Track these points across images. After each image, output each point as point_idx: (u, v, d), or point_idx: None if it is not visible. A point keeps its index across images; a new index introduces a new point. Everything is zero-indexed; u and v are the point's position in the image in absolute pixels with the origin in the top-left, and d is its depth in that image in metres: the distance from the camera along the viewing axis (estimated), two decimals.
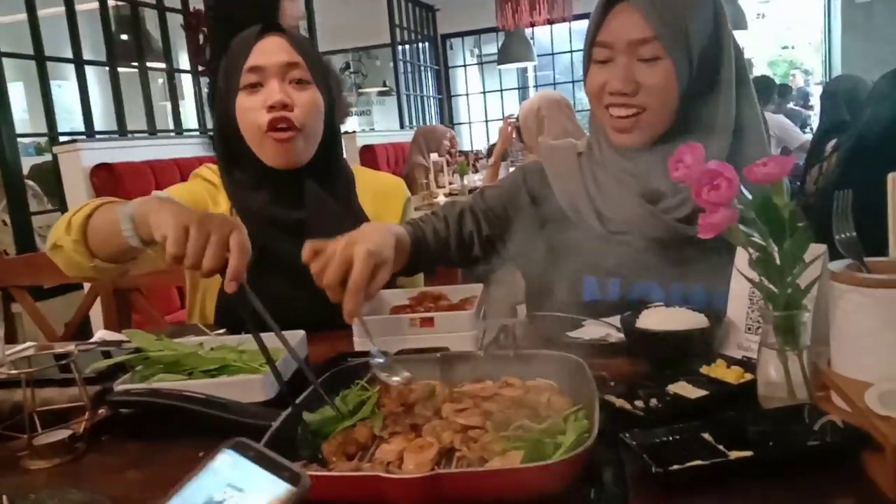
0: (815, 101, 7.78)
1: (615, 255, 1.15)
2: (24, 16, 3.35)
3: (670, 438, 0.68)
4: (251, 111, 1.27)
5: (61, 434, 0.81)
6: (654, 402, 0.78)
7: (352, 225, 1.37)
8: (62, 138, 3.46)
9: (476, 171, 5.57)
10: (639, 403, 0.78)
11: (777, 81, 7.02)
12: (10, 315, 1.95)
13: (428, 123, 7.97)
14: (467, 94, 9.73)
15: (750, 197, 0.73)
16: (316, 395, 0.80)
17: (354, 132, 6.09)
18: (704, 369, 0.85)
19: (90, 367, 0.91)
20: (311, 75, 1.30)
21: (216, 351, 0.96)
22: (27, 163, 4.43)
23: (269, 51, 1.28)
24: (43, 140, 5.22)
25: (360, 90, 10.05)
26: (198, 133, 4.55)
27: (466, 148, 8.33)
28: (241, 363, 0.92)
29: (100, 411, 0.87)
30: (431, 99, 8.78)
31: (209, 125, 4.59)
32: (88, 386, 0.87)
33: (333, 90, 1.37)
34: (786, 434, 0.67)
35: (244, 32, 1.34)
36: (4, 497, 0.68)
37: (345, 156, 1.47)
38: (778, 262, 0.73)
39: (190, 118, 4.92)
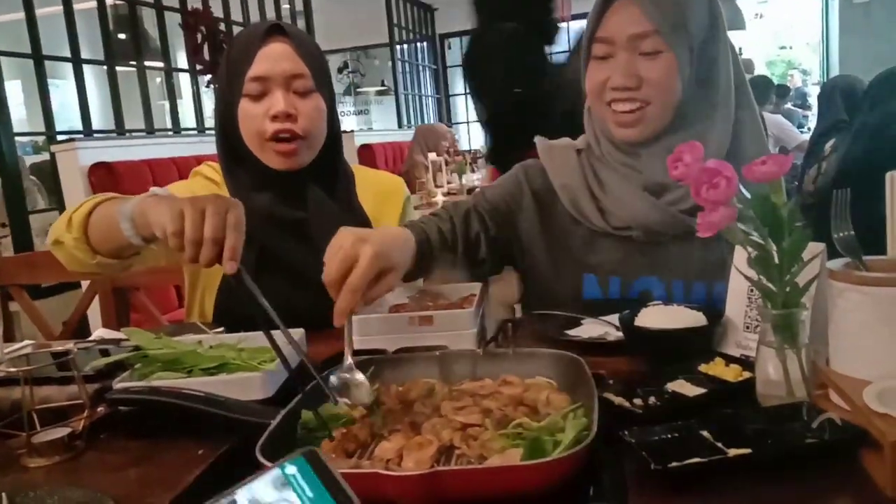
0: (813, 100, 7.80)
1: (616, 252, 1.15)
2: (21, 14, 3.34)
3: (669, 436, 0.68)
4: (254, 119, 1.26)
5: (60, 432, 0.81)
6: (652, 400, 0.78)
7: (352, 224, 1.37)
8: (60, 137, 3.46)
9: (474, 170, 5.56)
10: (637, 401, 0.78)
11: (775, 81, 7.04)
12: (7, 314, 1.94)
13: (426, 123, 7.97)
14: (465, 94, 9.71)
15: (749, 196, 0.73)
16: (316, 393, 0.80)
17: (353, 131, 6.09)
18: (703, 367, 0.85)
19: (89, 366, 0.91)
20: (315, 83, 1.28)
21: (215, 349, 0.96)
22: (26, 162, 4.44)
23: (274, 58, 1.25)
24: (41, 139, 5.22)
25: (358, 89, 10.05)
26: (196, 132, 4.54)
27: (465, 147, 8.32)
28: (241, 361, 0.92)
29: (99, 409, 0.86)
30: (430, 98, 8.78)
31: (207, 124, 4.59)
32: (87, 384, 0.87)
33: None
34: (784, 432, 0.68)
35: (246, 35, 1.33)
36: (3, 495, 0.68)
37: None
38: (776, 260, 0.73)
39: (188, 117, 4.92)
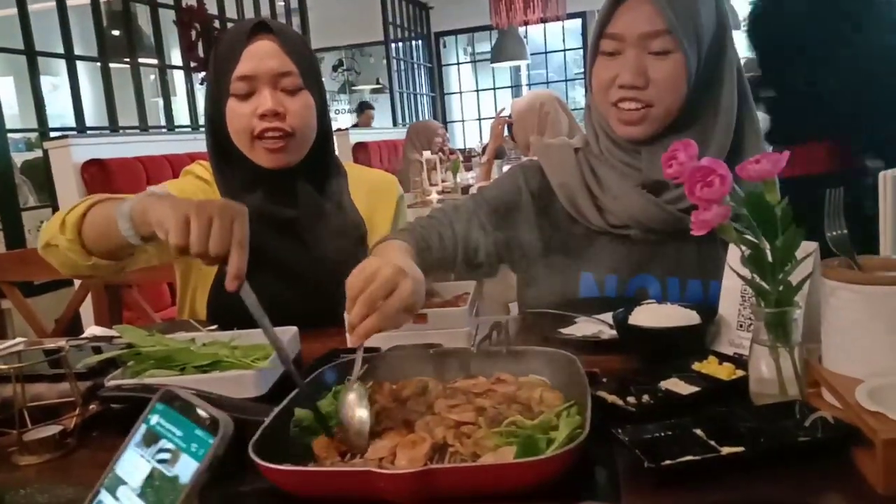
0: None
1: (613, 251, 1.15)
2: (14, 10, 3.32)
3: (662, 434, 0.68)
4: (242, 117, 1.25)
5: (52, 430, 0.81)
6: (646, 398, 0.79)
7: (344, 223, 1.37)
8: (53, 134, 3.44)
9: (469, 169, 5.56)
10: (631, 399, 0.78)
11: None
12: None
13: (420, 121, 7.96)
14: (461, 92, 9.73)
15: (743, 194, 0.73)
16: (309, 391, 0.80)
17: (347, 130, 6.08)
18: (696, 366, 0.85)
19: (81, 363, 0.91)
20: (303, 81, 1.27)
21: (208, 346, 0.96)
22: (18, 159, 4.41)
23: (260, 57, 1.24)
24: (33, 136, 5.19)
25: (353, 87, 10.04)
26: (189, 129, 4.53)
27: (459, 146, 8.33)
28: (234, 359, 0.92)
29: (91, 407, 0.86)
30: (425, 97, 8.78)
31: (201, 121, 4.57)
32: (79, 381, 0.86)
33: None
34: (777, 430, 0.68)
35: (232, 33, 1.31)
36: None
37: (337, 153, 1.46)
38: (770, 259, 0.73)
39: (182, 114, 4.91)
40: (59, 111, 4.69)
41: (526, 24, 7.31)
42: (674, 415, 0.71)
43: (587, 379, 0.75)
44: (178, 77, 4.81)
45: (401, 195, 1.53)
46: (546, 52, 9.30)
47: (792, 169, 0.72)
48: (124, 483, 0.54)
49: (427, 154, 4.63)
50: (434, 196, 4.24)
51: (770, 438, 0.67)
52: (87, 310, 1.92)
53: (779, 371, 0.74)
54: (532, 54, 8.26)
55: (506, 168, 4.12)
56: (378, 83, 9.43)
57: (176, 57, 4.58)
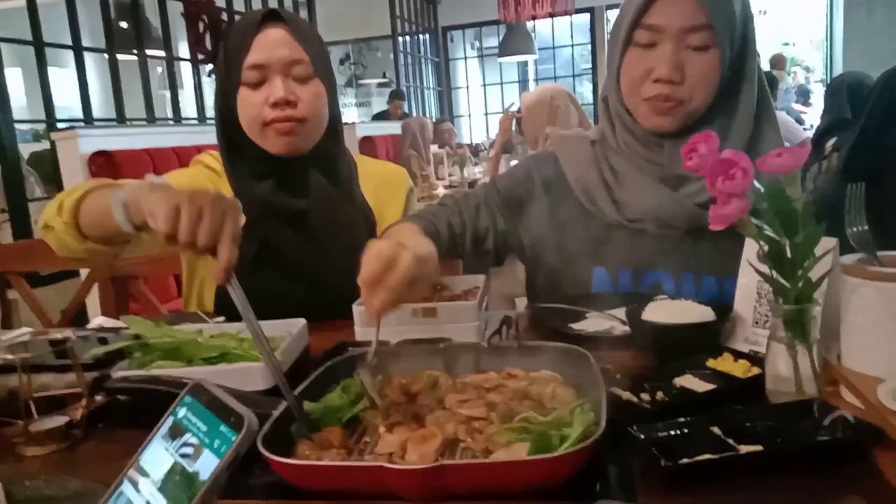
0: (815, 98, 7.78)
1: (628, 246, 1.13)
2: (23, 2, 3.32)
3: (679, 432, 0.67)
4: (253, 106, 1.24)
5: (58, 421, 0.80)
6: (660, 395, 0.77)
7: (354, 214, 1.36)
8: (60, 125, 3.44)
9: (476, 163, 5.55)
10: (645, 396, 0.77)
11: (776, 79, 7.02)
12: (6, 302, 1.93)
13: (429, 116, 7.95)
14: (467, 87, 9.71)
15: (762, 189, 0.72)
16: (316, 384, 0.79)
17: (354, 123, 6.07)
18: (711, 363, 0.84)
19: (88, 353, 0.90)
20: (314, 69, 1.26)
21: (216, 338, 0.95)
22: (25, 150, 4.41)
23: (271, 45, 1.24)
24: (41, 127, 5.20)
25: (360, 81, 10.02)
26: (196, 121, 4.53)
27: (466, 141, 8.31)
28: (242, 351, 0.91)
29: (97, 398, 0.85)
30: (431, 91, 8.75)
31: (208, 114, 4.57)
32: (86, 372, 0.85)
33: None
34: (796, 429, 0.66)
35: (242, 22, 1.31)
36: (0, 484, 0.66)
37: None
38: (789, 255, 0.71)
39: (189, 107, 4.90)
40: (67, 103, 4.69)
41: (534, 18, 7.29)
42: (689, 412, 0.70)
43: (601, 375, 0.74)
44: (186, 70, 4.81)
45: (411, 187, 1.51)
46: (554, 48, 9.27)
47: None
48: (146, 475, 0.53)
49: (435, 148, 4.62)
50: (440, 191, 4.23)
51: (789, 438, 0.65)
52: (93, 301, 1.91)
53: (796, 369, 0.73)
54: (540, 49, 8.24)
55: (513, 163, 4.11)
56: (385, 77, 9.41)
57: (184, 49, 4.57)
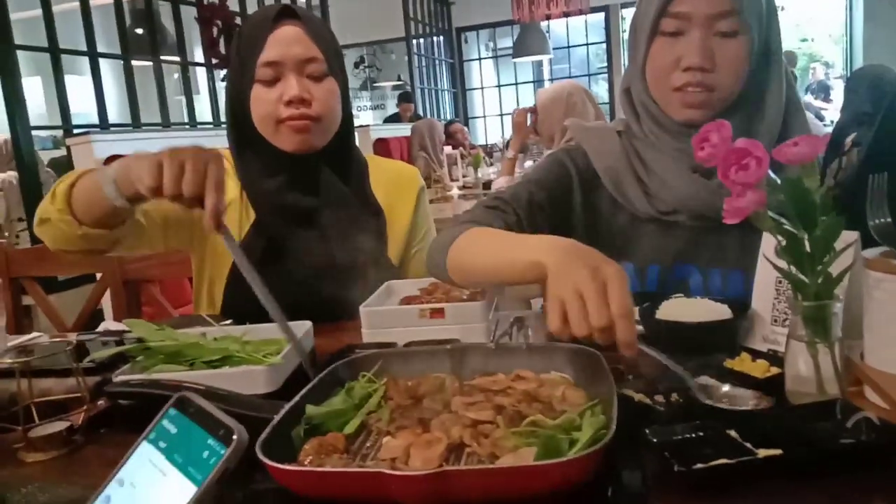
0: (835, 94, 7.68)
1: (657, 240, 1.10)
2: (39, 11, 3.35)
3: (694, 435, 0.64)
4: (268, 103, 1.24)
5: (58, 426, 0.79)
6: (675, 396, 0.74)
7: (364, 213, 1.34)
8: (76, 131, 3.46)
9: (490, 164, 5.53)
10: (659, 398, 0.74)
11: (797, 75, 6.94)
12: (21, 307, 1.94)
13: (444, 118, 7.95)
14: (482, 88, 9.69)
15: (778, 181, 0.69)
16: (320, 388, 0.77)
17: (368, 126, 6.07)
18: (728, 363, 0.81)
19: (88, 358, 0.89)
20: (328, 67, 1.26)
21: (219, 341, 0.93)
22: (45, 157, 4.46)
23: (286, 43, 1.23)
24: (60, 133, 5.26)
25: (374, 84, 10.04)
26: (212, 126, 4.55)
27: (481, 142, 8.29)
28: (245, 354, 0.89)
29: (98, 403, 0.84)
30: (446, 93, 8.75)
31: (223, 118, 4.59)
32: (88, 377, 0.84)
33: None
34: (817, 432, 0.63)
35: (256, 19, 1.30)
36: None
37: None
38: (808, 249, 0.68)
39: (204, 112, 4.93)
40: (85, 110, 4.74)
41: (548, 18, 7.26)
42: (705, 415, 0.67)
43: (612, 376, 0.71)
44: (201, 74, 4.84)
45: (422, 187, 1.49)
46: (569, 47, 9.23)
47: None
48: (132, 486, 0.51)
49: (448, 149, 4.60)
50: (455, 192, 4.21)
51: (810, 441, 0.62)
52: (109, 306, 1.91)
53: (817, 368, 0.70)
54: (554, 49, 8.20)
55: (528, 164, 4.07)
56: (399, 79, 9.42)
57: (198, 54, 4.60)
